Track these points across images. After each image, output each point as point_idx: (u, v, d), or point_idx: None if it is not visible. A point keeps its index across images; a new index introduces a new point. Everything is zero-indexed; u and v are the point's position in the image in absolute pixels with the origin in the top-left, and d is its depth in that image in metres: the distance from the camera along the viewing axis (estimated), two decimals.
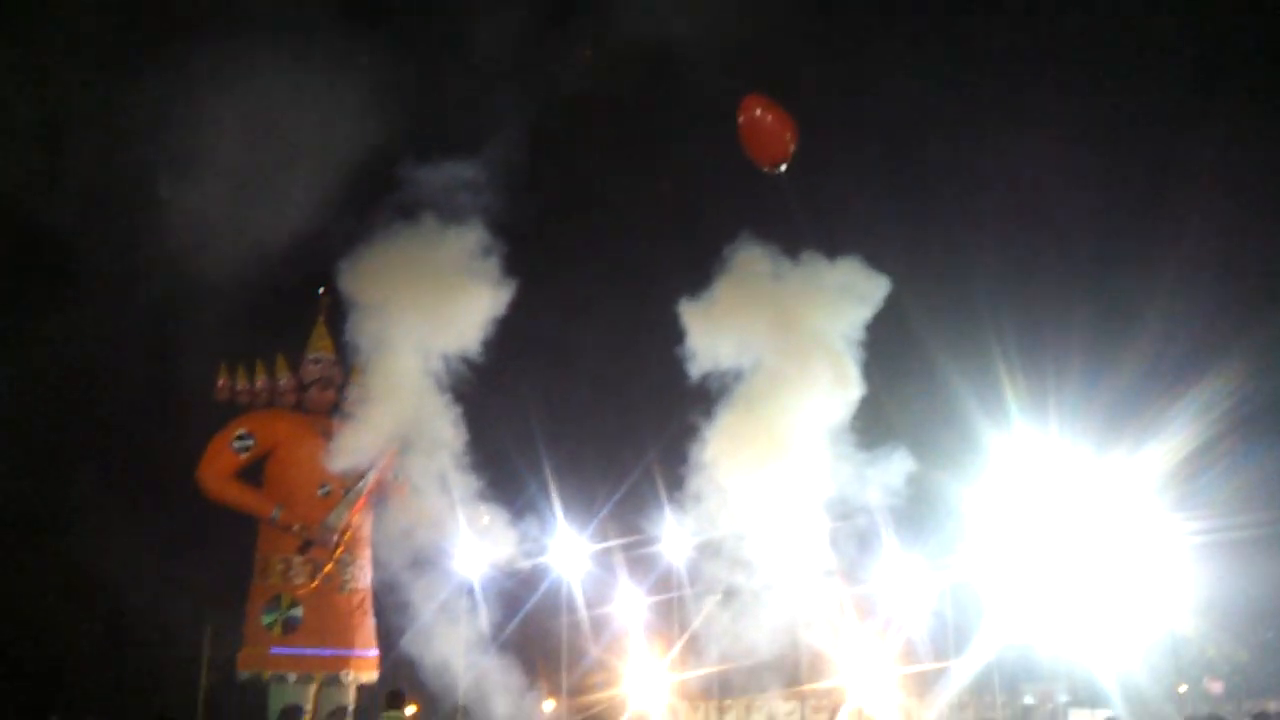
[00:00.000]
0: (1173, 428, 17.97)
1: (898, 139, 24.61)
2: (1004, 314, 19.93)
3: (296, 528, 17.51)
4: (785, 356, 16.45)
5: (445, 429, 16.79)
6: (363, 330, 16.53)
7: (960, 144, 24.20)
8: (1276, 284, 22.32)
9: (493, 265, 16.57)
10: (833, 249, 16.86)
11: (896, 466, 16.26)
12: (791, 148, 12.82)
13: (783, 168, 12.96)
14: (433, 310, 16.33)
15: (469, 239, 16.49)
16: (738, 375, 16.72)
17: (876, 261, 16.86)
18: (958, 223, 23.92)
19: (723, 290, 16.54)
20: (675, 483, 17.04)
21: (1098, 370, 19.70)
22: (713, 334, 16.56)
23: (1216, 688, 21.47)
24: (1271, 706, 18.49)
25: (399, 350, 16.44)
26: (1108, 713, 15.91)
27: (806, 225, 16.64)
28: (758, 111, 12.83)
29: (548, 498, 18.43)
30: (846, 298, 16.50)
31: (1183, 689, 18.79)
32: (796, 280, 16.72)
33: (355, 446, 16.93)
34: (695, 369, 16.62)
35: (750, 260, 16.76)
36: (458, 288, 16.39)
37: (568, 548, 18.90)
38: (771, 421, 16.11)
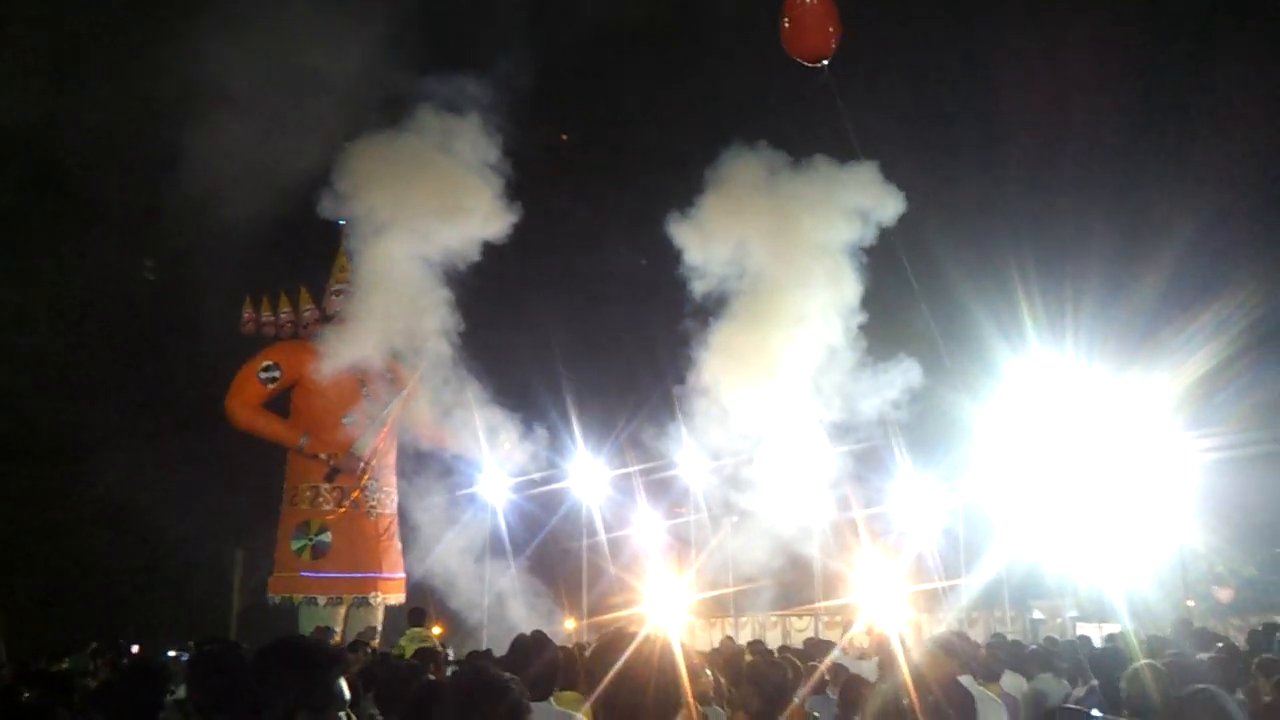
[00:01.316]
0: (1188, 346, 18.03)
1: (923, 49, 24.29)
2: (1022, 232, 19.94)
3: (324, 456, 17.94)
4: (785, 265, 16.54)
5: (444, 326, 16.89)
6: (359, 226, 16.59)
7: (984, 56, 23.89)
8: None
9: (495, 168, 16.54)
10: (850, 154, 16.75)
11: (907, 382, 16.41)
12: (834, 42, 12.55)
13: (824, 63, 12.64)
14: (428, 203, 16.32)
15: (469, 136, 16.44)
16: (739, 287, 16.84)
17: (893, 172, 16.84)
18: (977, 135, 23.71)
19: (720, 199, 16.55)
20: (688, 404, 17.28)
21: (1114, 288, 19.73)
22: (714, 244, 16.63)
23: (1225, 595, 21.69)
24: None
25: (393, 241, 16.44)
26: (1115, 626, 16.20)
27: (830, 129, 16.46)
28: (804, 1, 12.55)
29: (567, 421, 18.71)
30: (857, 207, 16.49)
31: (1190, 603, 19.03)
32: (805, 188, 16.70)
33: (350, 340, 17.07)
34: (702, 285, 16.75)
35: (747, 168, 16.71)
36: (456, 183, 16.39)
37: (586, 471, 19.23)
38: (771, 335, 16.28)
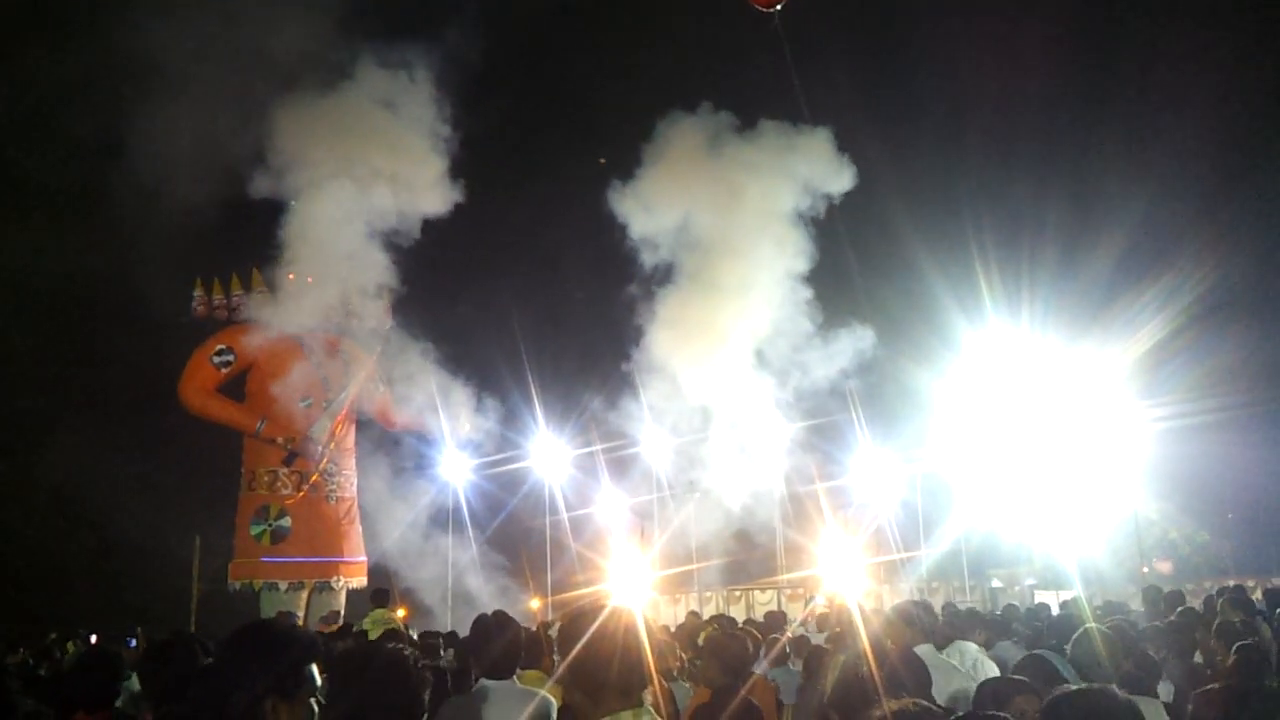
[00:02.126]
0: (1140, 318, 18.33)
1: (882, 20, 24.32)
2: (980, 206, 20.12)
3: (281, 439, 17.75)
4: (734, 234, 16.59)
5: (385, 283, 16.86)
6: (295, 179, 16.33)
7: (943, 30, 24.00)
8: (1239, 180, 22.47)
9: (437, 131, 16.42)
10: (800, 115, 16.79)
11: (860, 352, 16.54)
12: None
13: (778, 7, 12.02)
14: (368, 158, 16.15)
15: (410, 95, 16.30)
16: (687, 258, 16.89)
17: (847, 143, 16.89)
18: (936, 109, 23.85)
19: (666, 166, 16.53)
20: (642, 380, 17.31)
21: (1068, 261, 19.98)
22: (660, 212, 16.63)
23: (1165, 568, 22.19)
24: (1232, 584, 19.17)
25: (332, 198, 16.25)
26: (1073, 593, 16.46)
27: (782, 95, 16.43)
28: None
29: (528, 400, 18.66)
30: (807, 176, 16.52)
31: (1146, 570, 19.42)
32: (754, 155, 16.70)
33: (293, 305, 16.99)
34: (652, 255, 16.77)
35: (694, 135, 16.68)
36: (397, 140, 16.25)
37: (548, 449, 19.19)
38: (721, 306, 16.35)
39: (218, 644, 3.23)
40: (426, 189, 16.30)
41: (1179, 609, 7.76)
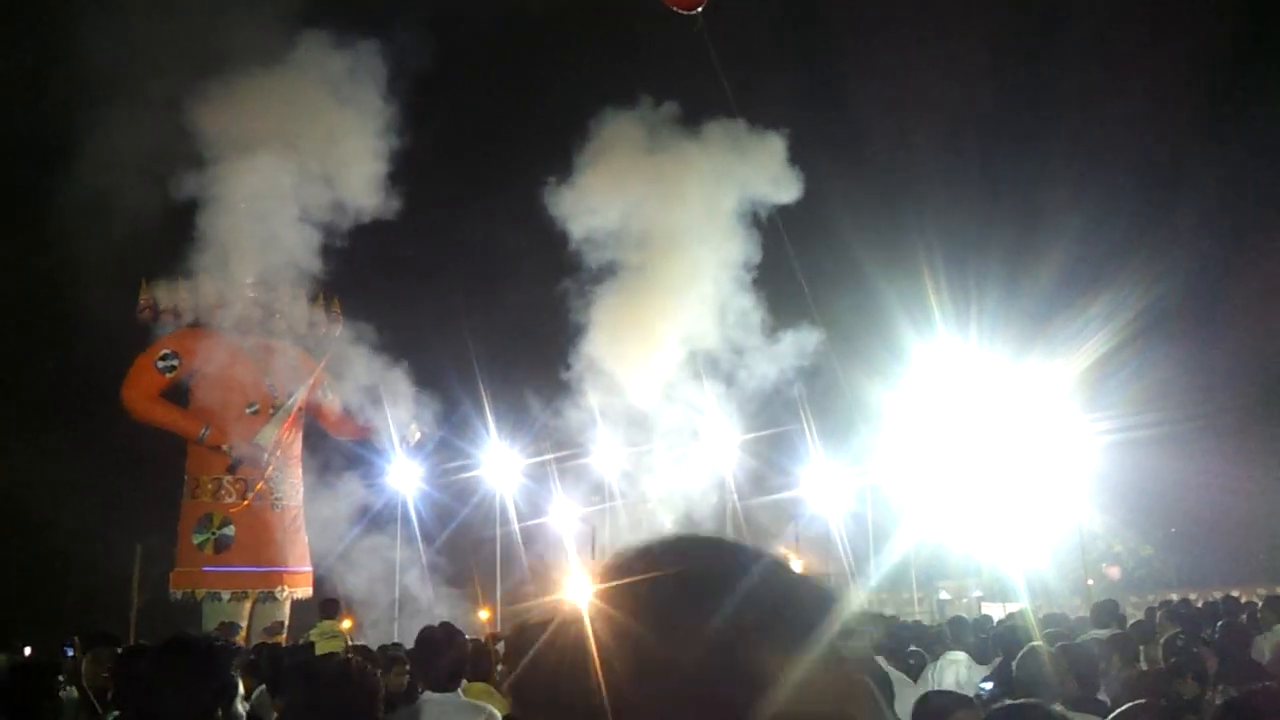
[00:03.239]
0: (1083, 333, 18.64)
1: (823, 27, 24.44)
2: (928, 224, 20.33)
3: (226, 446, 17.47)
4: (673, 242, 16.62)
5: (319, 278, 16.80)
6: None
7: (884, 41, 24.20)
8: (1177, 200, 22.95)
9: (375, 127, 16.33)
10: (733, 113, 16.81)
11: (806, 360, 16.64)
12: None
13: (698, 10, 11.35)
14: (300, 149, 16.07)
15: (350, 92, 16.25)
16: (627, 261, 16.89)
17: (798, 156, 16.99)
18: (884, 127, 24.07)
19: (601, 169, 16.54)
20: (584, 389, 17.29)
21: (1013, 278, 20.26)
22: (598, 215, 16.66)
23: (1114, 573, 22.55)
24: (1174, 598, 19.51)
25: (264, 188, 16.12)
26: (1018, 605, 16.66)
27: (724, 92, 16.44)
28: None
29: (479, 409, 18.54)
30: (755, 181, 16.59)
31: (1090, 582, 19.70)
32: (703, 157, 16.74)
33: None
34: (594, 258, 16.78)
35: (629, 137, 16.70)
36: (329, 135, 16.18)
37: (499, 459, 19.08)
38: (663, 315, 16.38)
39: (146, 658, 3.17)
40: (363, 185, 16.25)
41: (1133, 622, 7.88)
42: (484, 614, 20.18)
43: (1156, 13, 22.73)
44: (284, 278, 17.41)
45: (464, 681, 4.50)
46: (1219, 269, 23.28)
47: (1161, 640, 6.72)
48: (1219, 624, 7.70)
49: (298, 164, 16.02)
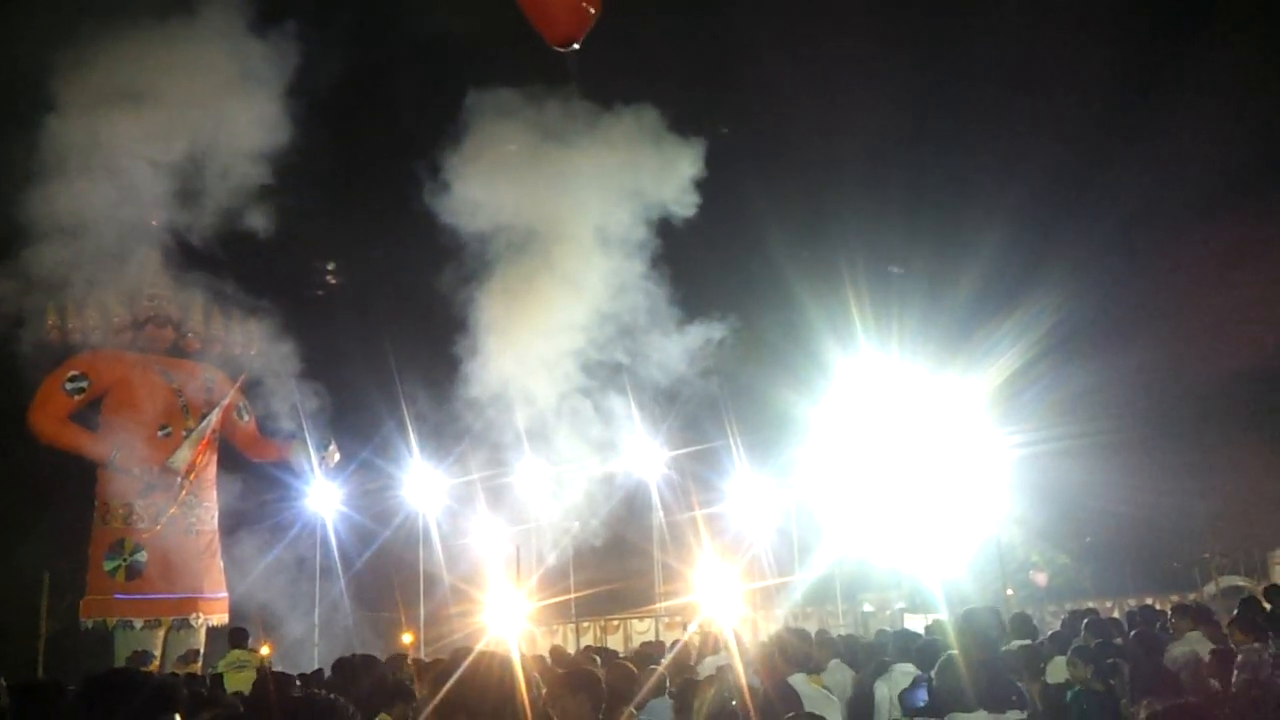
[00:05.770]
0: (998, 348, 19.08)
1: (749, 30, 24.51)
2: (851, 237, 20.59)
3: (137, 470, 17.00)
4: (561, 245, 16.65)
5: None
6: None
7: (807, 49, 24.35)
8: (1090, 217, 23.60)
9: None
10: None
11: (735, 379, 16.76)
12: (589, 23, 9.79)
13: (575, 47, 10.12)
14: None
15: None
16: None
17: (711, 164, 17.05)
18: (805, 138, 24.17)
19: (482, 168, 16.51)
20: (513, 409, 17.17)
21: (932, 293, 20.66)
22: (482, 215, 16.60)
23: (1041, 579, 23.01)
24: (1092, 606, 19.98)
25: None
26: (937, 616, 16.91)
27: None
28: None
29: (401, 428, 18.30)
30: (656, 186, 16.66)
31: (1010, 592, 20.08)
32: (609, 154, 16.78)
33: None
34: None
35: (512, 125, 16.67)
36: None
37: (421, 479, 18.85)
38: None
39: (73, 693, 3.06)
40: (259, 200, 16.08)
41: (1051, 632, 8.11)
42: (407, 637, 19.91)
43: (1070, 35, 23.35)
44: (197, 297, 17.04)
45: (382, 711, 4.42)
46: (1135, 284, 24.00)
47: (1071, 649, 6.91)
48: (1131, 633, 7.90)
49: (186, 179, 15.72)
